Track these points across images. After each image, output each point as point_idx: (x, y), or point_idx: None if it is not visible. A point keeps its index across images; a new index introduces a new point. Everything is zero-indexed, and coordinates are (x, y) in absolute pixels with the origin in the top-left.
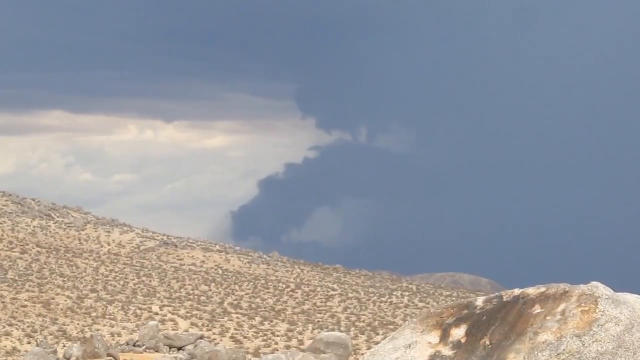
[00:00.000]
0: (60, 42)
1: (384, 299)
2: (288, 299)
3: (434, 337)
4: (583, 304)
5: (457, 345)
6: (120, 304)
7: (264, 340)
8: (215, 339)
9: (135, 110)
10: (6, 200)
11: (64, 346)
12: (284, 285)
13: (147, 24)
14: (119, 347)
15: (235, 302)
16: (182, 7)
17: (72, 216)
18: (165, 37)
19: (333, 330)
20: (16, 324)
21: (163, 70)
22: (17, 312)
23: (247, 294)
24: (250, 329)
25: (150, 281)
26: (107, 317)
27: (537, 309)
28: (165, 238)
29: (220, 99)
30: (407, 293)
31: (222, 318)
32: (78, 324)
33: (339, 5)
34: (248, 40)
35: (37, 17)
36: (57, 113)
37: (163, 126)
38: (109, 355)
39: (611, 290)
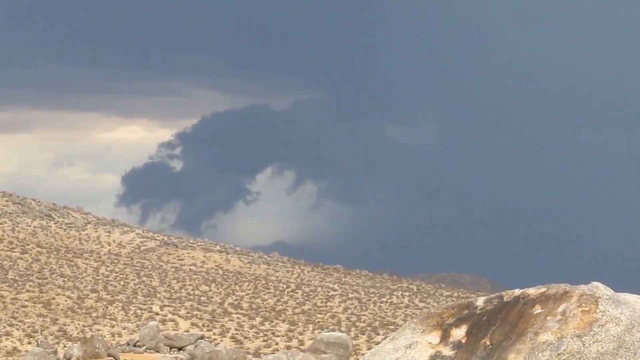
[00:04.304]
0: (18, 40)
1: (384, 299)
2: (288, 300)
3: (435, 337)
4: (583, 304)
5: (457, 345)
6: (120, 304)
7: (264, 341)
8: (215, 339)
9: (107, 108)
10: (7, 201)
11: (65, 346)
12: (285, 286)
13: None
14: (119, 347)
15: (236, 302)
16: (145, 6)
17: (73, 216)
18: (123, 38)
19: (333, 330)
20: (17, 324)
21: (132, 67)
22: (17, 313)
23: (247, 294)
24: (250, 329)
25: (150, 281)
26: (108, 317)
27: (537, 309)
28: (165, 238)
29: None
30: (407, 293)
31: (223, 318)
32: (78, 324)
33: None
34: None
35: (4, 13)
36: (23, 110)
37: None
38: (109, 355)
39: (611, 291)
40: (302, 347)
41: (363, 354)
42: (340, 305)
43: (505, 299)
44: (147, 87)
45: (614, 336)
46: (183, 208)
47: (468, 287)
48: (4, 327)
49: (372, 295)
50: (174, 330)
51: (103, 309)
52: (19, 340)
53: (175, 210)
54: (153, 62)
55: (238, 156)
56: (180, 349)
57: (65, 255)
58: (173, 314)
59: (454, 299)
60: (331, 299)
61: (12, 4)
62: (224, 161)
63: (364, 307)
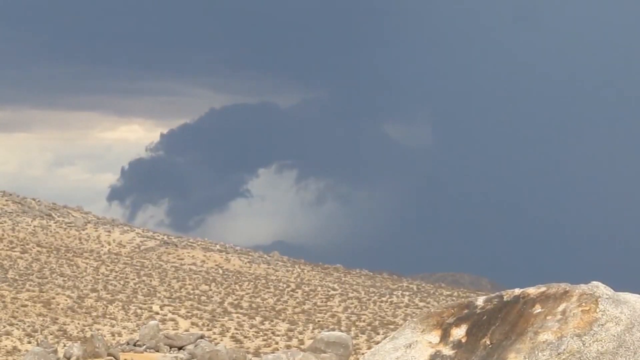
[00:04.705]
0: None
1: (384, 299)
2: (288, 299)
3: (435, 336)
4: (584, 304)
5: (457, 345)
6: (120, 304)
7: (264, 340)
8: (215, 339)
9: (103, 108)
10: (7, 200)
11: (65, 346)
12: (285, 285)
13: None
14: (119, 346)
15: (236, 301)
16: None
17: (73, 216)
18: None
19: (333, 330)
20: (17, 324)
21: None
22: (17, 312)
23: (247, 293)
24: (250, 328)
25: (150, 281)
26: (108, 316)
27: (537, 308)
28: (165, 238)
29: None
30: (407, 293)
31: (223, 318)
32: (78, 323)
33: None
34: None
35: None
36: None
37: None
38: (109, 355)
39: (612, 290)
40: (302, 347)
41: (363, 354)
42: (340, 305)
43: (505, 298)
44: (146, 86)
45: (614, 335)
46: (179, 204)
47: (468, 287)
48: (4, 327)
49: (372, 294)
50: (174, 329)
51: (103, 308)
52: (19, 339)
53: (169, 206)
54: (152, 62)
55: (237, 155)
56: (180, 348)
57: (65, 255)
58: (173, 313)
59: (454, 298)
60: (331, 299)
61: (10, 3)
62: (223, 159)
63: (364, 307)
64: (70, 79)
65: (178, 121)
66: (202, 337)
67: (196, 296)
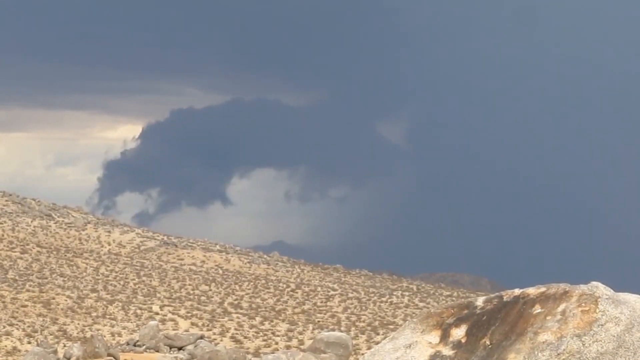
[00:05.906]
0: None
1: (384, 299)
2: (288, 299)
3: (434, 337)
4: (583, 304)
5: (457, 345)
6: (120, 304)
7: (264, 340)
8: (215, 339)
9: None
10: (7, 200)
11: (65, 346)
12: (285, 285)
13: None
14: (119, 347)
15: (236, 302)
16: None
17: (73, 216)
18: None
19: (333, 330)
20: (17, 324)
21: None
22: (17, 312)
23: (247, 294)
24: (250, 329)
25: (150, 281)
26: (108, 317)
27: (537, 309)
28: (165, 238)
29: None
30: (407, 293)
31: (223, 318)
32: (78, 323)
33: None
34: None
35: None
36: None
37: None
38: (109, 355)
39: (611, 290)
40: (302, 347)
41: (363, 354)
42: (340, 305)
43: (505, 298)
44: (147, 86)
45: (614, 336)
46: (162, 199)
47: (468, 287)
48: (4, 327)
49: (372, 295)
50: (173, 329)
51: (103, 308)
52: (19, 339)
53: (150, 199)
54: (152, 62)
55: (235, 154)
56: (180, 348)
57: (65, 255)
58: (173, 313)
59: (453, 298)
60: (331, 299)
61: (7, 4)
62: (221, 158)
63: (363, 307)
64: (70, 78)
65: (178, 120)
66: (202, 337)
67: (196, 296)
